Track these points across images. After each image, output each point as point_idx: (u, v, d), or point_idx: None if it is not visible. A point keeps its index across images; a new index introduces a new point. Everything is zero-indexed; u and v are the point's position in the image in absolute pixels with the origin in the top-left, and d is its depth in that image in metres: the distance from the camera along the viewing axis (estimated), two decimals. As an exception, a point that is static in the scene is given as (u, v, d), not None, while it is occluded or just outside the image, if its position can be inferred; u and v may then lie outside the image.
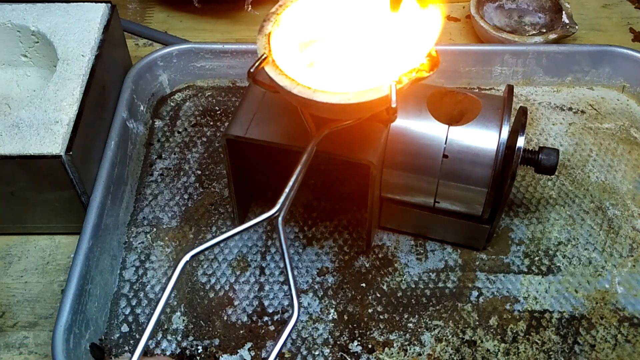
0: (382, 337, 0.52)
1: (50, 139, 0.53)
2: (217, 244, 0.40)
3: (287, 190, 0.42)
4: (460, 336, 0.52)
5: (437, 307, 0.54)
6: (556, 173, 0.57)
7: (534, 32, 0.78)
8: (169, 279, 0.37)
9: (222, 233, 0.44)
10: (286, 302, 0.54)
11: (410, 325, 0.53)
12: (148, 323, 0.36)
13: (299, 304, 0.40)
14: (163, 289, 0.38)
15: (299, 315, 0.38)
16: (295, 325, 0.37)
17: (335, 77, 0.43)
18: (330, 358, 0.51)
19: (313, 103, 0.39)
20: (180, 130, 0.68)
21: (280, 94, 0.42)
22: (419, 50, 0.41)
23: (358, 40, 0.45)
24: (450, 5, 0.84)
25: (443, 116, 0.51)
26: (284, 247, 0.40)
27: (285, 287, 0.55)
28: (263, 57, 0.41)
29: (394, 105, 0.38)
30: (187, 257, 0.38)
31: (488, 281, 0.56)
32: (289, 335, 0.37)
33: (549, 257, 0.57)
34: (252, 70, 0.41)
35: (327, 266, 0.57)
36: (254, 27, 0.81)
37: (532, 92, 0.72)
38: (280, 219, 0.41)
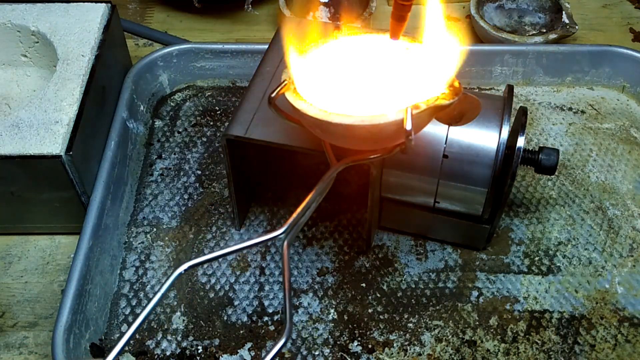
0: (382, 337, 0.52)
1: (50, 139, 0.53)
2: (216, 258, 0.40)
3: (297, 213, 0.41)
4: (460, 336, 0.53)
5: (437, 307, 0.54)
6: (556, 173, 0.57)
7: (534, 32, 0.78)
8: (160, 288, 0.37)
9: (225, 245, 0.44)
10: (286, 302, 0.54)
11: (410, 325, 0.53)
12: (129, 329, 0.36)
13: (292, 325, 0.39)
14: (154, 295, 0.38)
15: (289, 336, 0.37)
16: (284, 345, 0.36)
17: (356, 108, 0.43)
18: (330, 358, 0.51)
19: (328, 126, 0.39)
20: (180, 130, 0.68)
21: (299, 125, 0.42)
22: (440, 81, 0.41)
23: (381, 73, 0.46)
24: (450, 5, 0.84)
25: (443, 116, 0.51)
26: (287, 271, 0.40)
27: (285, 287, 0.55)
28: (284, 83, 0.41)
29: (408, 128, 0.37)
30: (182, 269, 0.38)
31: (488, 281, 0.56)
32: (277, 354, 0.37)
33: (549, 257, 0.57)
34: (272, 95, 0.41)
35: (327, 266, 0.57)
36: (254, 27, 0.81)
37: (532, 92, 0.72)
38: (285, 242, 0.41)
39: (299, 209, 0.42)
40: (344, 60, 0.46)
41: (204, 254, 0.40)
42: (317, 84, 0.44)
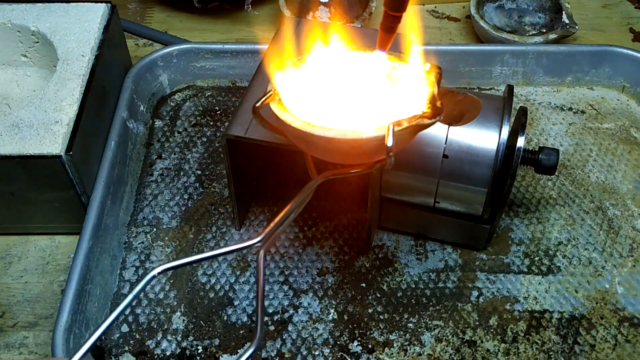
0: (382, 337, 0.52)
1: (50, 139, 0.53)
2: (190, 263, 0.40)
3: (275, 223, 0.42)
4: (460, 336, 0.53)
5: (437, 307, 0.54)
6: (556, 173, 0.57)
7: (534, 32, 0.78)
8: (132, 288, 0.37)
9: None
10: (286, 302, 0.54)
11: (410, 325, 0.53)
12: (98, 328, 0.35)
13: (262, 333, 0.39)
14: (127, 294, 0.38)
15: (259, 344, 0.38)
16: (254, 352, 0.36)
17: (340, 121, 0.43)
18: (330, 358, 0.51)
19: (311, 138, 0.39)
20: (180, 130, 0.68)
21: (282, 135, 0.42)
22: (424, 99, 0.41)
23: (365, 88, 0.46)
24: (450, 5, 0.84)
25: (443, 116, 0.51)
26: (261, 280, 0.40)
27: (286, 287, 0.55)
28: (269, 94, 0.41)
29: (389, 144, 0.38)
30: (155, 272, 0.38)
31: (488, 281, 0.56)
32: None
33: (549, 257, 0.57)
34: (257, 105, 0.41)
35: (327, 266, 0.57)
36: (254, 27, 0.81)
37: (532, 92, 0.72)
38: (262, 250, 0.41)
39: (277, 219, 0.42)
40: (330, 73, 0.46)
41: (180, 258, 0.40)
42: (301, 96, 0.44)
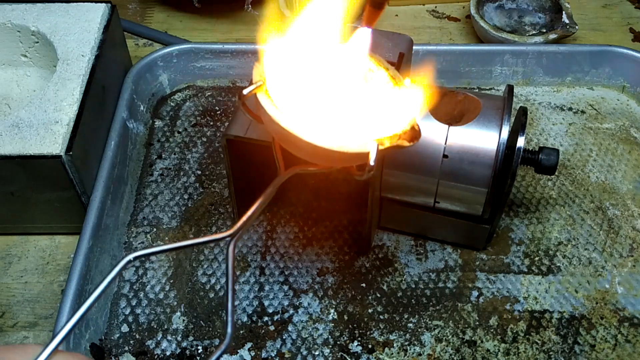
0: (382, 337, 0.52)
1: (50, 139, 0.53)
2: (165, 251, 0.40)
3: (247, 216, 0.42)
4: (460, 336, 0.53)
5: (437, 307, 0.54)
6: (556, 173, 0.57)
7: (534, 32, 0.78)
8: (106, 276, 0.36)
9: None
10: (286, 302, 0.54)
11: (410, 325, 0.53)
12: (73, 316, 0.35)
13: (233, 331, 0.39)
14: (100, 283, 0.37)
15: (230, 341, 0.37)
16: (226, 349, 0.36)
17: (319, 120, 0.44)
18: (330, 358, 0.51)
19: (296, 140, 0.40)
20: (180, 130, 0.68)
21: (264, 124, 0.42)
22: (403, 118, 0.42)
23: (347, 91, 0.46)
24: (450, 5, 0.84)
25: (443, 116, 0.51)
26: (230, 271, 0.40)
27: (286, 287, 0.55)
28: (258, 84, 0.41)
29: (372, 164, 0.39)
30: (130, 257, 0.37)
31: (488, 281, 0.56)
32: (218, 357, 0.37)
33: (549, 257, 0.57)
34: (245, 93, 0.41)
35: (327, 266, 0.57)
36: (254, 27, 0.81)
37: (532, 92, 0.72)
38: (233, 242, 0.41)
39: (249, 213, 0.43)
40: (319, 69, 0.46)
41: (156, 248, 0.39)
42: (287, 89, 0.44)
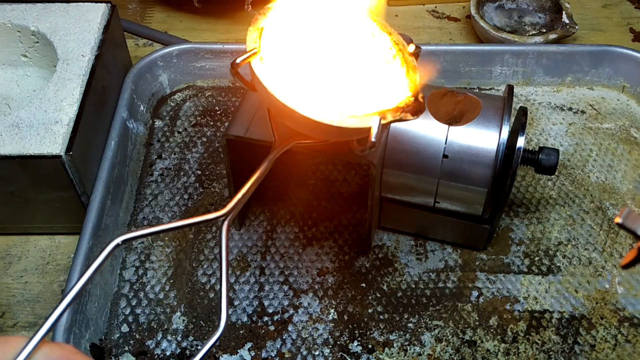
0: (382, 337, 0.52)
1: (50, 139, 0.53)
2: (156, 233, 0.37)
3: (239, 195, 0.40)
4: (460, 336, 0.52)
5: (437, 307, 0.54)
6: (556, 173, 0.57)
7: (534, 32, 0.78)
8: (94, 260, 0.34)
9: (171, 223, 0.41)
10: (286, 302, 0.54)
11: (410, 325, 0.53)
12: (59, 305, 0.33)
13: (227, 316, 0.37)
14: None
15: (225, 327, 0.36)
16: (220, 337, 0.34)
17: (317, 91, 0.41)
18: (330, 358, 0.51)
19: (292, 113, 0.38)
20: (180, 130, 0.68)
21: (257, 92, 0.40)
22: (407, 89, 0.40)
23: (347, 58, 0.44)
24: (450, 5, 0.84)
25: (443, 116, 0.51)
26: (224, 252, 0.38)
27: (286, 287, 0.55)
28: (253, 51, 0.39)
29: (373, 140, 0.37)
30: (118, 240, 0.35)
31: (488, 281, 0.56)
32: (213, 345, 0.35)
33: (549, 257, 0.57)
34: (237, 61, 0.38)
35: (327, 266, 0.57)
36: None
37: (532, 92, 0.72)
38: (226, 221, 0.38)
39: (243, 191, 0.40)
40: (318, 33, 0.44)
41: (144, 228, 0.37)
42: (284, 56, 0.42)
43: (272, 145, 0.43)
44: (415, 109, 0.38)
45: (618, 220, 0.32)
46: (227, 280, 0.37)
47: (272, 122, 0.44)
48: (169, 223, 0.37)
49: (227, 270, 0.37)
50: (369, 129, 0.37)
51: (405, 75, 0.41)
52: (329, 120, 0.37)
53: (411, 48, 0.43)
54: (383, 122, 0.37)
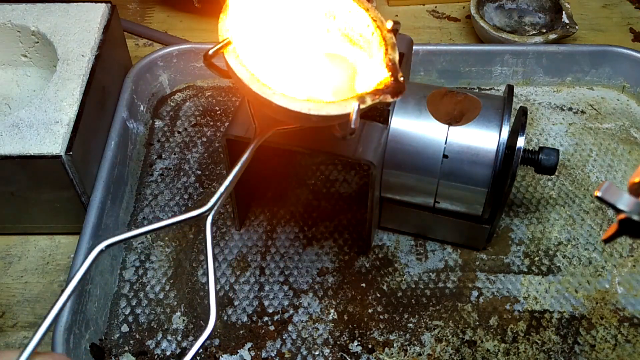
0: (382, 337, 0.52)
1: (50, 139, 0.53)
2: (139, 235, 0.37)
3: (222, 189, 0.39)
4: (460, 336, 0.52)
5: (437, 307, 0.54)
6: (556, 173, 0.57)
7: (534, 32, 0.78)
8: (78, 269, 0.34)
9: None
10: (286, 302, 0.54)
11: (410, 325, 0.53)
12: (46, 317, 0.33)
13: (217, 314, 0.37)
14: (72, 276, 0.35)
15: (215, 324, 0.35)
16: (210, 334, 0.34)
17: (293, 77, 0.40)
18: (330, 358, 0.51)
19: (269, 104, 0.37)
20: (180, 130, 0.68)
21: (233, 82, 0.39)
22: (386, 73, 0.39)
23: (324, 42, 0.43)
24: (450, 5, 0.84)
25: (443, 116, 0.51)
26: (209, 248, 0.37)
27: (286, 287, 0.55)
28: (225, 42, 0.38)
29: (353, 126, 0.36)
30: (101, 246, 0.34)
31: (488, 281, 0.56)
32: (204, 342, 0.34)
33: (549, 257, 0.57)
34: (210, 52, 0.38)
35: (327, 266, 0.57)
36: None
37: (532, 92, 0.72)
38: (209, 218, 0.38)
39: (225, 184, 0.39)
40: (294, 19, 0.43)
41: (125, 232, 0.37)
42: (259, 45, 0.41)
43: (253, 134, 0.42)
44: (395, 90, 0.37)
45: (597, 193, 0.32)
46: (215, 276, 0.36)
47: (252, 110, 0.43)
48: (152, 224, 0.36)
49: (214, 266, 0.37)
50: (348, 115, 0.36)
51: (383, 54, 0.40)
52: (306, 110, 0.36)
53: (389, 24, 0.41)
54: (362, 106, 0.36)
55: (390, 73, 0.38)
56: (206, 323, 0.51)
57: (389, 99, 0.37)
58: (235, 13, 0.40)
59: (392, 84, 0.37)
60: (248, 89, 0.37)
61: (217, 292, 0.39)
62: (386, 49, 0.40)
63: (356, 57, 0.42)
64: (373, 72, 0.39)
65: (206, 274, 0.38)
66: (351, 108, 0.36)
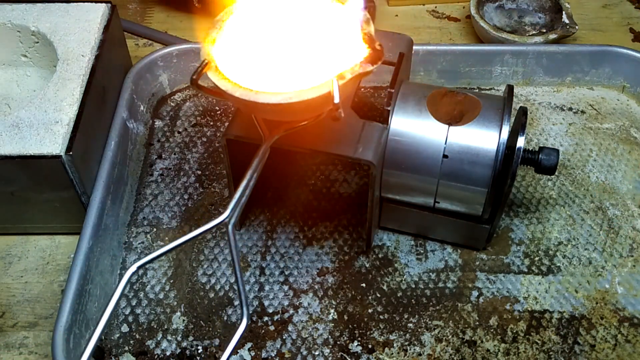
0: (382, 337, 0.52)
1: (50, 139, 0.53)
2: (166, 253, 0.39)
3: (237, 195, 0.41)
4: (460, 336, 0.53)
5: (437, 307, 0.54)
6: (556, 173, 0.57)
7: (534, 32, 0.78)
8: (114, 291, 0.36)
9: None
10: (286, 302, 0.54)
11: (410, 325, 0.53)
12: (89, 342, 0.35)
13: (249, 313, 0.39)
14: (110, 298, 0.37)
15: (248, 322, 0.37)
16: (244, 332, 0.36)
17: (281, 78, 0.42)
18: (330, 358, 0.51)
19: (256, 105, 0.39)
20: (180, 130, 0.68)
21: (225, 98, 0.42)
22: (363, 45, 0.40)
23: (303, 38, 0.45)
24: (450, 5, 0.84)
25: (443, 116, 0.51)
26: (234, 254, 0.39)
27: (286, 287, 0.55)
28: (205, 63, 0.41)
29: (336, 102, 0.37)
30: (133, 268, 0.37)
31: (488, 281, 0.56)
32: (238, 341, 0.37)
33: (549, 257, 0.57)
34: (194, 77, 0.40)
35: (327, 266, 0.57)
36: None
37: (532, 92, 0.72)
38: (230, 225, 0.40)
39: (239, 190, 0.41)
40: (263, 25, 0.45)
41: (154, 251, 0.39)
42: (238, 55, 0.43)
43: (262, 139, 0.44)
44: (374, 58, 0.39)
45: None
46: (242, 279, 0.39)
47: (257, 119, 0.45)
48: (175, 240, 0.39)
49: (240, 271, 0.39)
50: (331, 94, 0.38)
51: (360, 29, 0.42)
52: (288, 99, 0.38)
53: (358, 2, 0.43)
54: (341, 81, 0.38)
55: (367, 45, 0.40)
56: (213, 325, 0.52)
57: (369, 68, 0.38)
58: (213, 35, 0.42)
59: (370, 53, 0.39)
60: (234, 98, 0.39)
61: (247, 297, 0.41)
62: (361, 26, 0.42)
63: (335, 39, 0.44)
64: (353, 49, 0.41)
65: (235, 278, 0.40)
66: (330, 85, 0.37)
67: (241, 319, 0.37)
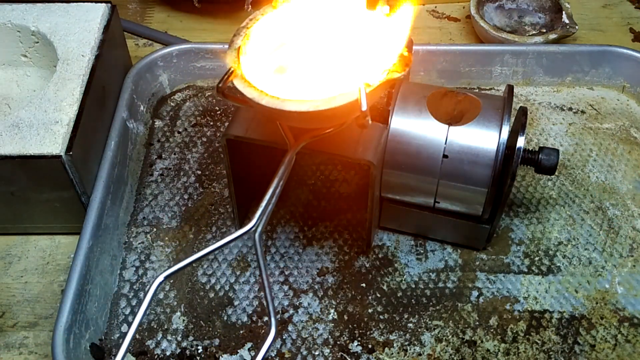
0: (382, 337, 0.52)
1: (50, 139, 0.53)
2: (192, 263, 0.39)
3: (264, 203, 0.41)
4: (460, 336, 0.53)
5: (437, 307, 0.54)
6: (556, 173, 0.57)
7: (534, 32, 0.78)
8: (141, 301, 0.37)
9: (206, 246, 0.42)
10: (286, 302, 0.54)
11: (410, 325, 0.53)
12: (120, 347, 0.36)
13: (277, 321, 0.39)
14: (135, 313, 0.38)
15: (276, 332, 0.38)
16: (272, 343, 0.37)
17: (307, 85, 0.42)
18: (330, 358, 0.51)
19: (283, 113, 0.39)
20: (180, 130, 0.68)
21: (250, 106, 0.42)
22: (390, 51, 0.40)
23: (329, 46, 0.45)
24: (450, 5, 0.84)
25: (443, 116, 0.51)
26: (262, 262, 0.39)
27: (286, 287, 0.55)
28: (231, 71, 0.41)
29: (364, 109, 0.37)
30: (160, 278, 0.38)
31: (488, 281, 0.56)
32: (268, 351, 0.37)
33: (549, 257, 0.57)
34: (220, 85, 0.40)
35: (327, 266, 0.57)
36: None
37: (532, 92, 0.72)
38: (257, 233, 0.40)
39: (265, 199, 0.41)
40: (293, 33, 0.45)
41: (181, 260, 0.39)
42: (267, 65, 0.43)
43: (288, 146, 0.44)
44: (403, 64, 0.39)
45: None
46: (270, 289, 0.40)
47: (282, 126, 0.45)
48: (201, 251, 0.39)
49: (269, 280, 0.40)
50: (358, 101, 0.38)
51: (385, 35, 0.42)
52: (315, 107, 0.38)
53: (385, 9, 0.43)
54: (369, 89, 0.38)
55: (394, 53, 0.40)
56: (213, 325, 0.52)
57: (397, 74, 0.39)
58: (239, 42, 0.42)
59: (399, 60, 0.39)
60: (261, 106, 0.39)
61: (274, 307, 0.42)
62: (392, 32, 0.42)
63: (359, 46, 0.44)
64: (380, 62, 0.41)
65: (263, 288, 0.40)
66: (358, 92, 0.37)
67: (269, 329, 0.37)
